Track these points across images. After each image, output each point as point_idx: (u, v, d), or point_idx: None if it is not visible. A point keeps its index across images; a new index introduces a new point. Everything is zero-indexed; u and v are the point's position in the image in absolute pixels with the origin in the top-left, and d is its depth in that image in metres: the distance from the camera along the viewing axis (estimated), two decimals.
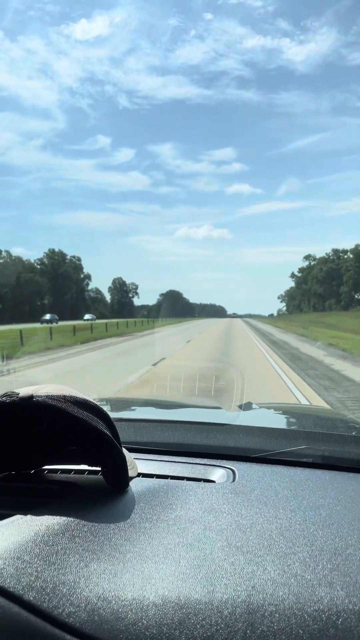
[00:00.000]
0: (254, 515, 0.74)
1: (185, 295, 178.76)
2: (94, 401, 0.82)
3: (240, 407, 1.64)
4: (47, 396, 0.77)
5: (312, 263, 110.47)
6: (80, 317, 75.02)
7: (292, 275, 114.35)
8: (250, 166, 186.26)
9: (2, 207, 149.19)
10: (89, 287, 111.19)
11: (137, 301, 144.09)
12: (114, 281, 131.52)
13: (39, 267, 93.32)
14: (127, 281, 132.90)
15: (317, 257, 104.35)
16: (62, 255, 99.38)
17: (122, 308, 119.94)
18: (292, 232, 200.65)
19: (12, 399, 0.76)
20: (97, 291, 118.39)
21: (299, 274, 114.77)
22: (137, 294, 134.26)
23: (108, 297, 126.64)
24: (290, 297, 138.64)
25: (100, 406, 0.83)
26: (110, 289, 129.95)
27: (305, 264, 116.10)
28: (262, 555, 0.62)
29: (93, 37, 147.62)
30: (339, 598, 0.55)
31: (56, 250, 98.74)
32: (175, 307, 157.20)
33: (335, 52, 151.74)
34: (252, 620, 0.52)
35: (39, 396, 0.76)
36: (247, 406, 1.65)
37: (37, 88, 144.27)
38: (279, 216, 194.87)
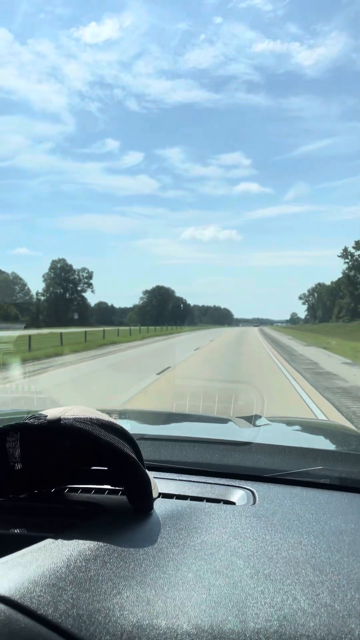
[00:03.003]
0: (279, 540, 0.74)
1: (182, 295, 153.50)
2: (117, 412, 0.81)
3: (250, 420, 1.61)
4: (75, 419, 0.79)
5: None
6: None
7: (345, 255, 78.28)
8: (258, 170, 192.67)
9: (10, 210, 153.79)
10: None
11: (96, 298, 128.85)
12: (52, 266, 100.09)
13: None
14: (76, 266, 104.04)
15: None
16: None
17: (65, 310, 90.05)
18: (300, 237, 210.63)
19: (40, 421, 0.79)
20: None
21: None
22: (90, 285, 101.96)
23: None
24: (321, 297, 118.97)
25: (124, 427, 0.85)
26: (44, 278, 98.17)
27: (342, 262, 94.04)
28: (290, 584, 0.62)
29: (102, 41, 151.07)
30: None
31: None
32: (163, 309, 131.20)
33: (345, 57, 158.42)
34: None
35: (66, 419, 0.79)
36: (256, 420, 1.62)
37: (46, 91, 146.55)
38: (287, 220, 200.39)
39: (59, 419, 0.78)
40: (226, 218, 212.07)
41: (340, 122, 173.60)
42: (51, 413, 0.80)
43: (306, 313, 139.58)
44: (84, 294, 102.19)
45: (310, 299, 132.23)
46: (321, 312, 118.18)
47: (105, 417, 0.84)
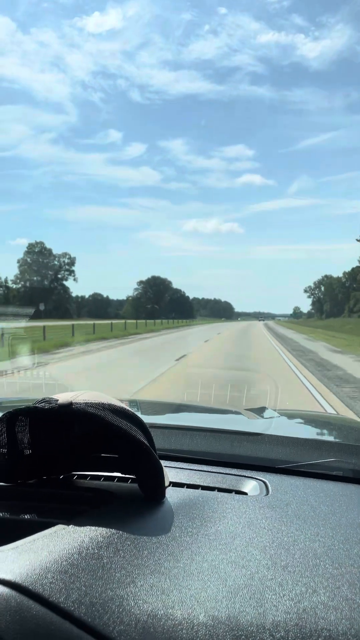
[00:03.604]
0: (295, 532, 0.72)
1: (182, 288, 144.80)
2: (126, 401, 0.82)
3: (260, 412, 1.61)
4: (86, 403, 0.77)
5: None
6: None
7: None
8: (261, 163, 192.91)
9: (12, 200, 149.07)
10: None
11: (80, 288, 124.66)
12: (29, 250, 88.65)
13: None
14: (56, 250, 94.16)
15: None
16: None
17: (43, 301, 72.68)
18: (303, 230, 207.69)
19: (50, 405, 0.77)
20: None
21: None
22: (71, 273, 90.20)
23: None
24: (329, 290, 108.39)
25: (136, 414, 0.83)
26: (19, 264, 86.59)
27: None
28: (309, 576, 0.61)
29: (106, 31, 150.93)
30: None
31: None
32: (159, 301, 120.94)
33: (350, 49, 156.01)
34: None
35: (77, 403, 0.77)
36: (267, 412, 1.62)
37: (49, 81, 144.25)
38: (289, 214, 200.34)
39: (71, 403, 0.76)
40: (228, 211, 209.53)
41: (344, 115, 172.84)
42: (62, 397, 0.78)
43: (311, 307, 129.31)
44: (65, 282, 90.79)
45: (317, 291, 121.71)
46: (329, 305, 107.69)
47: (117, 402, 0.81)
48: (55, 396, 0.79)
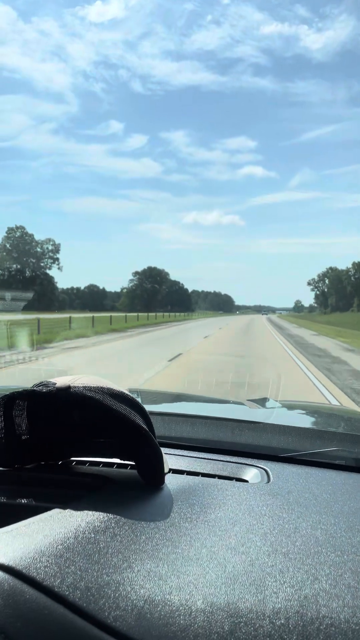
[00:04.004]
0: (296, 519, 0.71)
1: (181, 280, 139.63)
2: (126, 390, 0.81)
3: (262, 402, 1.60)
4: (84, 387, 0.76)
5: None
6: None
7: None
8: (263, 156, 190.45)
9: (12, 191, 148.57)
10: None
11: (66, 279, 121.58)
12: (8, 235, 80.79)
13: None
14: (39, 236, 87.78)
15: None
16: None
17: (23, 289, 66.67)
18: (304, 224, 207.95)
19: (48, 388, 0.76)
20: None
21: None
22: (55, 261, 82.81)
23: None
24: (335, 283, 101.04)
25: (136, 399, 0.82)
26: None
27: None
28: (310, 564, 0.60)
29: (108, 20, 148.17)
30: None
31: None
32: (156, 293, 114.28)
33: (353, 40, 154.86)
34: (306, 633, 0.50)
35: (75, 387, 0.75)
36: (268, 402, 1.62)
37: (50, 71, 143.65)
38: (291, 207, 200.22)
39: (69, 387, 0.75)
40: (230, 203, 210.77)
41: (347, 107, 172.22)
42: (60, 381, 0.77)
43: (314, 300, 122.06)
44: (48, 271, 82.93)
45: (321, 284, 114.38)
46: (335, 299, 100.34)
47: (116, 387, 0.80)
48: (53, 380, 0.78)
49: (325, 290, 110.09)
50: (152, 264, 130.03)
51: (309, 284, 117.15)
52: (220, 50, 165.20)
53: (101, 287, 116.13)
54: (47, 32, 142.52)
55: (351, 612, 0.52)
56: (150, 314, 57.45)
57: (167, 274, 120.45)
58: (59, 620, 0.50)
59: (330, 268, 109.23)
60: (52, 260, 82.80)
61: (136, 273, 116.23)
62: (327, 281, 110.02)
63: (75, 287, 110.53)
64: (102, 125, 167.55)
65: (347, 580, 0.57)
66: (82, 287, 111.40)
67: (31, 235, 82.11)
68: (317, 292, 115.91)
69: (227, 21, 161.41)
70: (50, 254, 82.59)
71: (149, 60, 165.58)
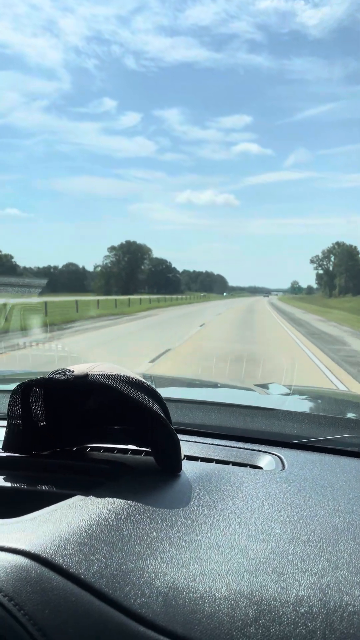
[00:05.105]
0: (314, 506, 0.71)
1: (172, 261, 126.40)
2: (139, 375, 0.82)
3: (271, 389, 1.60)
4: (102, 375, 0.76)
5: None
6: None
7: None
8: (258, 134, 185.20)
9: (3, 170, 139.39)
10: None
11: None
12: None
13: None
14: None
15: None
16: None
17: None
18: (299, 204, 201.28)
19: (66, 376, 0.76)
20: None
21: None
22: None
23: None
24: (343, 260, 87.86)
25: (152, 386, 0.82)
26: None
27: None
28: (331, 552, 0.60)
29: None
30: None
31: None
32: (135, 272, 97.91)
33: (350, 17, 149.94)
34: (330, 620, 0.49)
35: (93, 375, 0.76)
36: (280, 388, 1.61)
37: (41, 46, 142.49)
38: (286, 187, 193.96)
39: (86, 375, 0.75)
40: (224, 183, 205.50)
41: (343, 86, 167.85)
42: (78, 369, 0.77)
43: (316, 281, 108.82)
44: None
45: (325, 262, 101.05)
46: (344, 279, 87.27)
47: (134, 375, 0.80)
48: (70, 367, 0.78)
49: (330, 269, 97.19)
50: (145, 245, 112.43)
51: (311, 261, 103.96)
52: (215, 26, 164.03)
53: (81, 266, 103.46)
54: (38, 6, 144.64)
55: None
56: (129, 297, 43.28)
57: (149, 249, 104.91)
58: (86, 607, 0.50)
59: (337, 243, 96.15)
60: None
61: (112, 248, 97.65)
62: (332, 258, 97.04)
63: (53, 265, 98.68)
64: (95, 103, 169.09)
65: None
66: (60, 266, 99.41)
67: None
68: (321, 272, 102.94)
69: None
70: None
71: (142, 36, 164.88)
